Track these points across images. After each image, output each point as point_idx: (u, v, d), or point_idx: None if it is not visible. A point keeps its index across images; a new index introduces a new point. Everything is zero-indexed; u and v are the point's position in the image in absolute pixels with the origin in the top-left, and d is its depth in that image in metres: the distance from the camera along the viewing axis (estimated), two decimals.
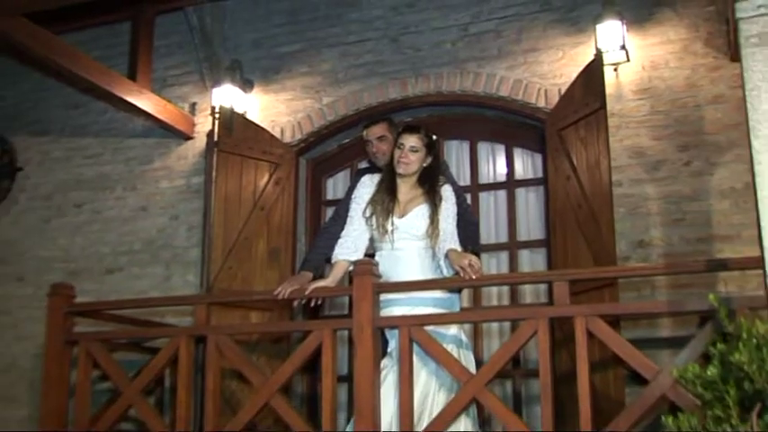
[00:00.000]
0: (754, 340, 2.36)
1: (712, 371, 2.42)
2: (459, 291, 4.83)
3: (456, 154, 6.65)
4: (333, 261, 4.73)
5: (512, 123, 6.50)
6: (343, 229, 4.78)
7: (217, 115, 6.51)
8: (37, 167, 7.65)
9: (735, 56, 5.46)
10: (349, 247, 4.68)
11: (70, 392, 5.09)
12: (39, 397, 5.22)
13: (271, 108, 6.92)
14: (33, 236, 7.46)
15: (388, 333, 4.52)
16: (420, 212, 4.64)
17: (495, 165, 6.60)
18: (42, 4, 5.48)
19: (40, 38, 5.86)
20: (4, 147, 7.81)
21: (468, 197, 5.79)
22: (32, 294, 6.92)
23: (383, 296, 4.46)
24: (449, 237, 4.55)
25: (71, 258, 7.21)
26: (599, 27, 5.87)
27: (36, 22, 5.72)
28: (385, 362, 4.44)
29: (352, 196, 4.87)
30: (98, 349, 5.03)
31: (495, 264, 6.34)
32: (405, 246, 4.65)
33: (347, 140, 6.86)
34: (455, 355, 4.38)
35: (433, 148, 4.76)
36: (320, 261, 4.95)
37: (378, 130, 5.17)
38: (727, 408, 2.34)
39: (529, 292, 6.22)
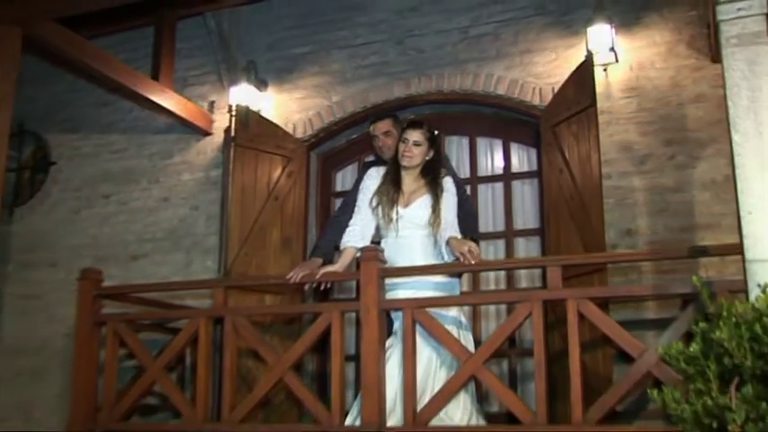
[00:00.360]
0: (734, 319, 2.36)
1: (695, 347, 2.42)
2: (459, 275, 4.84)
3: (456, 149, 6.61)
4: (341, 248, 4.74)
5: (508, 120, 6.47)
6: (351, 218, 4.79)
7: (234, 113, 6.50)
8: (68, 162, 7.65)
9: (715, 57, 5.44)
10: (356, 235, 4.69)
11: (99, 370, 5.11)
12: (70, 374, 5.23)
13: (284, 106, 6.90)
14: (65, 225, 7.47)
15: (392, 314, 4.52)
16: (423, 203, 4.64)
17: (492, 159, 6.57)
18: (73, 9, 5.46)
19: (74, 42, 5.85)
20: (38, 143, 7.82)
21: (468, 189, 5.77)
22: (64, 279, 6.92)
23: (388, 280, 4.47)
24: (449, 225, 4.55)
25: (99, 246, 7.21)
26: (590, 30, 5.85)
27: (67, 27, 5.72)
28: (390, 341, 4.45)
29: (360, 188, 4.87)
30: (124, 329, 5.05)
31: (492, 251, 6.31)
32: (409, 234, 4.65)
33: (355, 136, 6.84)
34: (455, 335, 4.39)
35: (434, 143, 4.76)
36: (329, 248, 4.95)
37: (383, 125, 5.16)
38: (708, 381, 2.34)
39: (524, 277, 6.20)
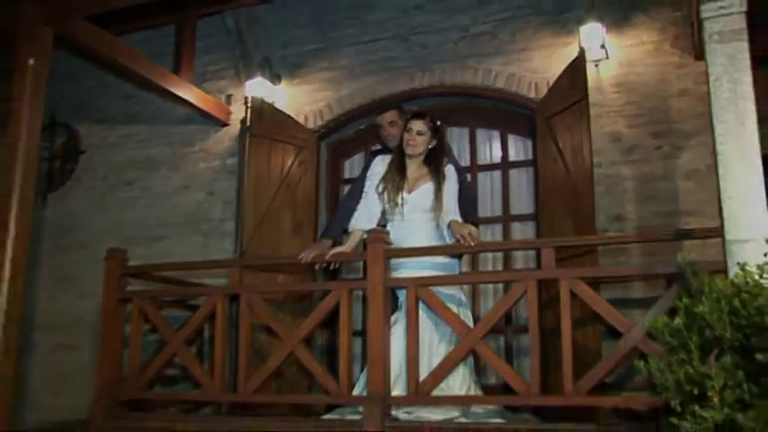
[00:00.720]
0: (715, 294, 2.37)
1: (678, 321, 2.43)
2: (459, 256, 4.85)
3: (457, 139, 6.60)
4: (349, 230, 4.74)
5: (506, 112, 6.46)
6: (358, 203, 4.79)
7: (249, 105, 6.48)
8: (96, 151, 7.66)
9: (698, 55, 5.43)
10: (363, 219, 4.70)
11: (124, 342, 5.12)
12: (98, 346, 5.25)
13: (296, 98, 6.90)
14: (93, 209, 7.49)
15: (397, 291, 4.53)
16: (426, 189, 4.65)
17: (491, 148, 6.57)
18: (103, 7, 5.42)
19: (104, 39, 5.82)
20: (69, 133, 7.83)
21: (468, 176, 5.77)
22: (93, 260, 6.84)
23: (393, 260, 4.48)
24: (451, 210, 4.56)
25: (125, 228, 7.22)
26: (582, 29, 5.84)
27: (97, 25, 5.71)
28: (395, 316, 4.46)
29: (367, 174, 4.88)
30: (148, 306, 5.05)
31: (490, 234, 6.30)
32: (413, 217, 4.66)
33: (362, 126, 6.83)
34: (455, 311, 4.39)
35: (437, 133, 4.76)
36: (338, 231, 4.95)
37: (389, 116, 5.17)
38: (689, 352, 2.35)
39: (520, 259, 6.21)
